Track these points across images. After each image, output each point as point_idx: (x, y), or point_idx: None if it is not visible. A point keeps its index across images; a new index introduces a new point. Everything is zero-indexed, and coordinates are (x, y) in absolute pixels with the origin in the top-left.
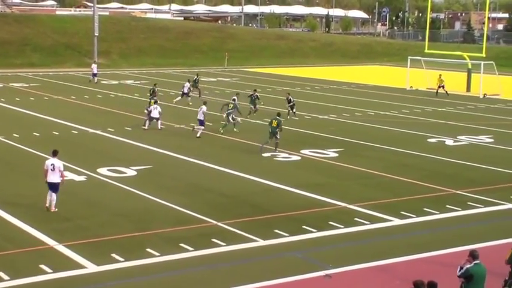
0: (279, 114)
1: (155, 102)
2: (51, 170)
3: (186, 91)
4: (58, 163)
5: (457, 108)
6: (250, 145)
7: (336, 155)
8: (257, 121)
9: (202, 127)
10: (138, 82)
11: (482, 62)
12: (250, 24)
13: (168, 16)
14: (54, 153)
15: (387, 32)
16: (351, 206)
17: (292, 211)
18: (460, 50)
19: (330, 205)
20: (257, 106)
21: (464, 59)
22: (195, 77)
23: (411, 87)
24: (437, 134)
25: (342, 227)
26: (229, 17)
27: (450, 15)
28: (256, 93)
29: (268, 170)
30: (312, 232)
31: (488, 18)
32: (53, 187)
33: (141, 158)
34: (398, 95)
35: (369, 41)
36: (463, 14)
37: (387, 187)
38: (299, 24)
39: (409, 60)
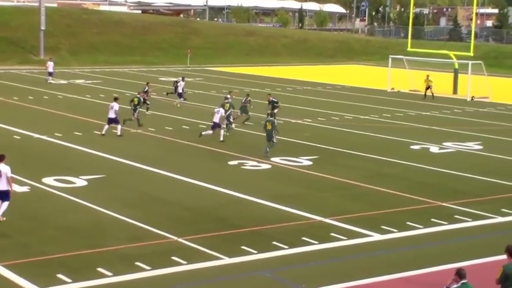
0: (271, 115)
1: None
2: None
3: (180, 91)
4: (5, 169)
5: (442, 112)
6: (215, 152)
7: (310, 163)
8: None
9: (218, 129)
10: (90, 82)
11: (470, 62)
12: (215, 19)
13: (124, 9)
14: (1, 158)
15: (366, 28)
16: (327, 220)
17: (262, 225)
18: (446, 48)
19: (304, 219)
20: (249, 113)
21: (451, 58)
22: (178, 79)
23: (393, 88)
24: (421, 141)
25: (317, 243)
26: (192, 11)
27: (435, 11)
28: (248, 98)
29: (235, 179)
30: (283, 249)
31: (476, 14)
32: (2, 196)
33: (92, 167)
34: (378, 97)
35: (347, 37)
36: (449, 9)
37: (366, 199)
38: (270, 19)
39: (390, 59)
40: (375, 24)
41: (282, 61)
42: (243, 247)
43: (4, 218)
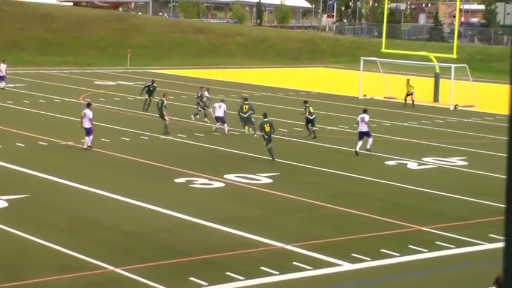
0: (265, 115)
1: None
2: None
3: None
4: None
5: (422, 123)
6: (159, 168)
7: (270, 181)
8: (172, 138)
9: (226, 125)
10: (12, 86)
11: (453, 65)
12: (160, 14)
13: (53, 0)
14: None
15: (335, 26)
16: (289, 247)
17: (213, 253)
18: (426, 49)
19: (262, 245)
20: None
21: (431, 61)
22: (150, 83)
23: (365, 95)
24: (397, 155)
25: (277, 273)
26: (133, 4)
27: (413, 6)
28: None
29: (182, 200)
30: (238, 280)
31: (460, 10)
32: None
33: (14, 185)
34: (348, 105)
35: (312, 36)
36: (429, 5)
37: (334, 222)
38: (223, 14)
39: (361, 61)
40: (345, 21)
41: (237, 63)
42: (191, 278)
43: None
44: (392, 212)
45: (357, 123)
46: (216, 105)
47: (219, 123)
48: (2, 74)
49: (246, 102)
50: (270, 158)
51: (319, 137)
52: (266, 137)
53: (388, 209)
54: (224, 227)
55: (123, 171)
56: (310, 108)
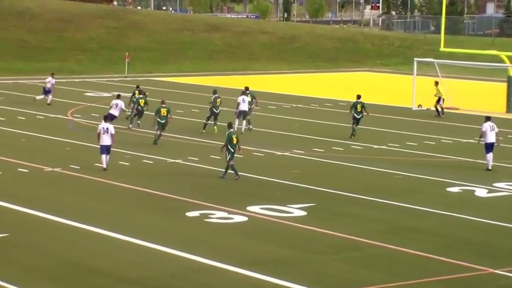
0: (230, 125)
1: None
2: None
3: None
4: None
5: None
6: (168, 199)
7: (304, 213)
8: (182, 161)
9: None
10: None
11: None
12: (164, 8)
13: None
14: None
15: (381, 20)
16: None
17: None
18: (495, 47)
19: None
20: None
21: (503, 61)
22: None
23: (420, 106)
24: (461, 180)
25: None
26: None
27: None
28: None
29: (196, 238)
30: None
31: None
32: None
33: None
34: (399, 118)
35: (353, 33)
36: None
37: (384, 264)
38: (242, 8)
39: (415, 63)
40: (393, 13)
41: (260, 67)
42: None
43: None
44: (456, 250)
45: (483, 133)
46: (240, 98)
47: (238, 120)
48: (47, 88)
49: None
50: (235, 176)
51: (363, 158)
52: (232, 151)
53: (451, 247)
54: (248, 271)
55: (123, 204)
56: (359, 106)
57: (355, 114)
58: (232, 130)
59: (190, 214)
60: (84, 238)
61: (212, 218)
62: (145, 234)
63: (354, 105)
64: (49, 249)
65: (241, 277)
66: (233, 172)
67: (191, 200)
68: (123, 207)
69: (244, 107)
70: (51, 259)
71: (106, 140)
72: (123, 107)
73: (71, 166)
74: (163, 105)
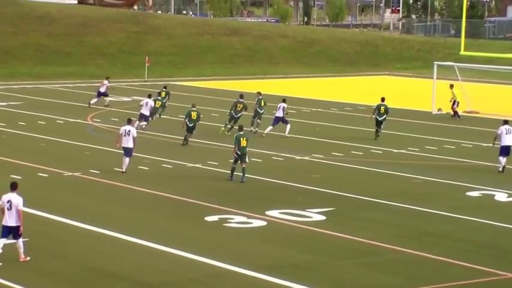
0: (241, 128)
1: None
2: (8, 209)
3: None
4: (16, 199)
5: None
6: (186, 204)
7: (323, 218)
8: (195, 164)
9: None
10: (4, 104)
11: None
12: (184, 12)
13: None
14: (13, 187)
15: (401, 23)
16: None
17: None
18: None
19: None
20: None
21: None
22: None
23: (440, 109)
24: (481, 184)
25: None
26: (151, 0)
27: None
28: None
29: (215, 243)
30: None
31: None
32: (13, 234)
33: None
34: (419, 122)
35: (373, 37)
36: None
37: (404, 269)
38: (262, 12)
39: (435, 67)
40: (414, 17)
41: (280, 71)
42: None
43: (28, 258)
44: (477, 255)
45: (498, 136)
46: (279, 105)
47: (272, 127)
48: (103, 91)
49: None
50: (240, 180)
51: (382, 162)
52: (239, 153)
53: (472, 252)
54: (267, 275)
55: (142, 208)
56: (382, 108)
57: (377, 117)
58: (241, 133)
59: (209, 219)
60: (102, 243)
61: (231, 222)
62: (164, 239)
63: (378, 108)
64: (68, 254)
65: (259, 282)
66: (241, 174)
67: (210, 205)
68: (142, 211)
69: (279, 113)
70: (70, 264)
71: (127, 142)
72: (153, 105)
73: (91, 171)
74: (194, 109)
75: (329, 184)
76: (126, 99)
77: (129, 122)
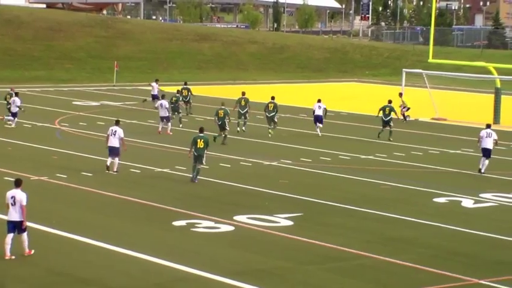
0: (201, 130)
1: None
2: (12, 204)
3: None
4: (20, 195)
5: (478, 150)
6: (154, 208)
7: (290, 223)
8: (169, 170)
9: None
10: None
11: None
12: (154, 17)
13: (21, 2)
14: (17, 183)
15: (370, 31)
16: None
17: None
18: (484, 59)
19: None
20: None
21: (491, 73)
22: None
23: (407, 116)
24: (448, 191)
25: None
26: (120, 5)
27: (468, 5)
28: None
29: (182, 248)
30: None
31: None
32: (18, 228)
33: None
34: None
35: (342, 44)
36: (488, 4)
37: (371, 275)
38: (231, 18)
39: (403, 74)
40: (383, 24)
41: (249, 77)
42: None
43: (33, 251)
44: (443, 261)
45: (480, 139)
46: (315, 105)
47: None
48: (154, 93)
49: (272, 101)
50: (192, 178)
51: (351, 168)
52: (195, 154)
53: (439, 258)
54: (234, 280)
55: (109, 213)
56: (387, 109)
57: (383, 117)
58: (201, 134)
59: (176, 223)
60: (69, 247)
61: (199, 227)
62: (131, 243)
63: (383, 108)
64: (34, 258)
65: (227, 287)
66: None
67: (178, 210)
68: (109, 216)
69: (319, 112)
70: (37, 268)
71: (113, 142)
72: (167, 106)
73: (58, 175)
74: (222, 108)
75: (297, 190)
76: (94, 103)
77: (117, 123)
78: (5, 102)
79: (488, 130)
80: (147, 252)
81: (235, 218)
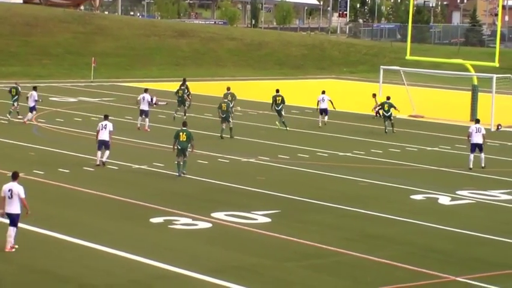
0: (184, 124)
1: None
2: (9, 197)
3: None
4: (17, 188)
5: (456, 148)
6: (131, 205)
7: (268, 220)
8: (147, 167)
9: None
10: None
11: (495, 76)
12: (132, 13)
13: None
14: (14, 176)
15: (348, 27)
16: None
17: None
18: (461, 56)
19: None
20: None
21: (468, 70)
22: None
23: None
24: (425, 188)
25: None
26: (98, 0)
27: (445, 3)
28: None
29: (159, 244)
30: None
31: (503, 7)
32: (12, 220)
33: None
34: (364, 125)
35: (320, 40)
36: (465, 1)
37: (349, 271)
38: (209, 14)
39: (381, 71)
40: (360, 21)
41: (227, 74)
42: None
43: (17, 246)
44: (420, 258)
45: (469, 135)
46: (320, 97)
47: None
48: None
49: (278, 93)
50: (176, 174)
51: (328, 165)
52: (179, 147)
53: (416, 255)
54: (212, 277)
55: (87, 209)
56: (386, 106)
57: (384, 113)
58: (184, 128)
59: (154, 220)
60: (46, 244)
61: (176, 224)
62: (108, 240)
63: (382, 105)
64: (10, 255)
65: (205, 284)
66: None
67: (155, 206)
68: (86, 212)
69: (324, 105)
70: (11, 266)
71: (103, 135)
72: (149, 100)
73: (35, 171)
74: (225, 101)
75: (275, 186)
76: (71, 99)
77: (106, 117)
78: (11, 95)
79: (478, 125)
80: (126, 249)
81: (212, 215)
